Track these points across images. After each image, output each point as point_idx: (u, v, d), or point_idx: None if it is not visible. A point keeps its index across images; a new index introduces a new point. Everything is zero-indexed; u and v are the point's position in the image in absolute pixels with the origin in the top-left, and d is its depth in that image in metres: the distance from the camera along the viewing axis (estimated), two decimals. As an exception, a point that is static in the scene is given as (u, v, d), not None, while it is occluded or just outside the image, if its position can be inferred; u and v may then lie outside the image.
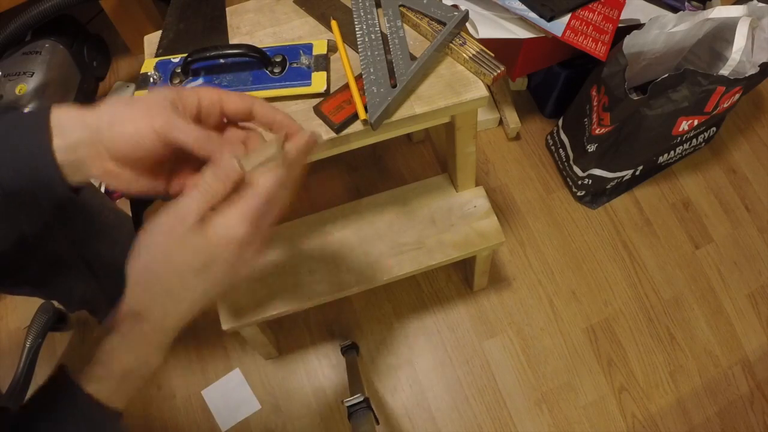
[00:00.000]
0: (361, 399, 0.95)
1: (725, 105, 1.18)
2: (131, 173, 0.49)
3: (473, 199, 1.05)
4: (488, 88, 0.90)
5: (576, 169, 1.34)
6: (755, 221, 1.42)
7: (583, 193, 1.38)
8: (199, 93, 0.50)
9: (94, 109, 0.48)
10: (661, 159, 1.37)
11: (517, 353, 1.27)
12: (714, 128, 1.40)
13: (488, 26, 1.16)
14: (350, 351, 1.22)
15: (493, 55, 0.78)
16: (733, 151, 1.50)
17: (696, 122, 1.19)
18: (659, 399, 1.25)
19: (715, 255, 1.38)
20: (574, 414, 1.23)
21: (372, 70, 0.77)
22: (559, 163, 1.41)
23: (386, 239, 1.03)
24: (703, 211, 1.43)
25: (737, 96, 1.18)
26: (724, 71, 1.11)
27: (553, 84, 1.39)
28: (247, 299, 0.99)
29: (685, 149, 1.39)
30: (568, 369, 1.26)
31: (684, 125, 1.18)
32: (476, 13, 1.18)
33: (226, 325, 0.97)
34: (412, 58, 0.78)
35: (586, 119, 1.25)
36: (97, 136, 0.46)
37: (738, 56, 1.10)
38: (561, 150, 1.39)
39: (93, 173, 0.48)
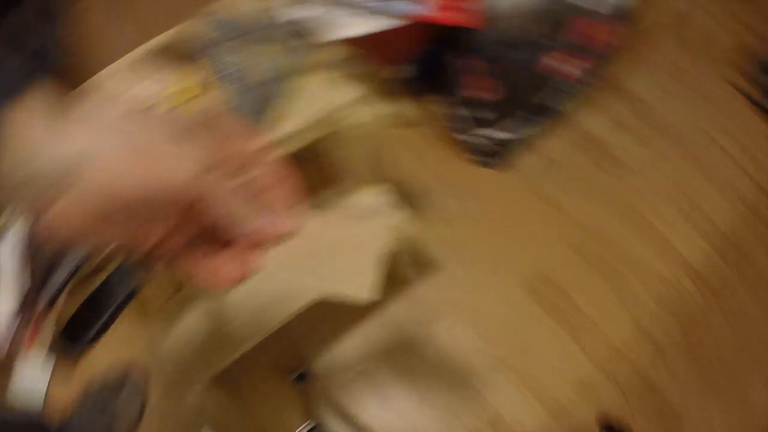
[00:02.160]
0: (312, 426, 0.93)
1: (600, 38, 1.20)
2: (103, 229, 0.33)
3: (380, 196, 1.04)
4: (373, 84, 0.90)
5: (479, 136, 1.35)
6: (667, 141, 1.45)
7: (492, 157, 1.39)
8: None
9: (73, 130, 0.32)
10: (552, 103, 1.39)
11: (465, 329, 1.26)
12: (597, 62, 1.42)
13: (356, 24, 1.15)
14: (301, 380, 1.19)
15: (362, 52, 0.78)
16: (632, 83, 1.53)
17: (568, 58, 1.21)
18: (617, 329, 1.25)
19: (635, 181, 1.40)
20: (538, 369, 1.22)
21: (235, 102, 0.78)
22: (463, 135, 1.42)
23: (303, 260, 1.01)
24: (615, 144, 1.45)
25: (611, 30, 1.20)
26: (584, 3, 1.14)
27: (436, 62, 1.41)
28: (185, 367, 0.96)
29: (572, 87, 1.41)
30: (519, 329, 1.26)
31: (553, 62, 1.20)
32: (342, 12, 1.18)
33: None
34: (271, 83, 0.79)
35: (472, 88, 1.27)
36: (69, 176, 0.30)
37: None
38: (461, 122, 1.40)
39: (43, 215, 0.31)
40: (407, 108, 1.45)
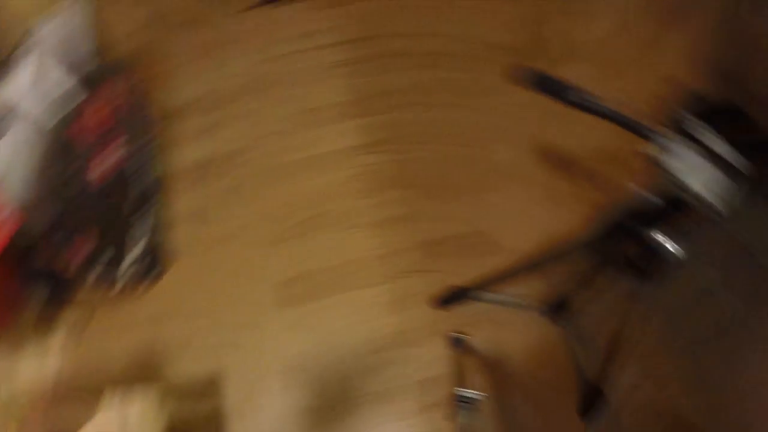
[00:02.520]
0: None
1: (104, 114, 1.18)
2: None
3: (107, 411, 0.97)
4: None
5: (129, 267, 1.29)
6: (240, 92, 1.48)
7: (157, 265, 1.33)
8: None
9: None
10: (143, 183, 1.33)
11: (287, 383, 1.22)
12: (130, 124, 1.38)
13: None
14: None
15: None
16: (173, 96, 1.53)
17: (104, 153, 1.19)
18: (365, 244, 1.31)
19: (257, 154, 1.43)
20: (363, 335, 1.24)
21: None
22: (117, 283, 1.31)
23: None
24: (222, 148, 1.44)
25: (106, 101, 1.20)
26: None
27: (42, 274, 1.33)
28: None
29: (140, 160, 1.37)
30: (316, 337, 1.26)
31: (99, 170, 1.17)
32: None
33: None
34: None
35: (78, 256, 1.21)
36: None
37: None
38: (107, 279, 1.29)
39: None
40: (66, 318, 1.35)
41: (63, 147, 1.22)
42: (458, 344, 1.24)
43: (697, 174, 0.69)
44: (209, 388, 1.23)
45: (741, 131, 1.40)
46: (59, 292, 1.36)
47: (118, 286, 1.33)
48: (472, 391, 0.94)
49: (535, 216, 1.37)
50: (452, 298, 1.25)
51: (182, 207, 1.38)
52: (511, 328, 1.27)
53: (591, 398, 1.21)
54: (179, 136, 1.45)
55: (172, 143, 1.44)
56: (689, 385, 1.25)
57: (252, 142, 1.42)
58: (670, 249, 0.75)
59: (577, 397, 1.20)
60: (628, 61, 1.61)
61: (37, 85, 1.18)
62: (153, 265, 1.33)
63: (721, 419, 1.23)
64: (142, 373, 1.25)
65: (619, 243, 0.82)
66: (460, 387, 0.93)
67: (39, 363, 1.20)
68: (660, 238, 0.75)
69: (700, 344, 1.28)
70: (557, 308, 1.24)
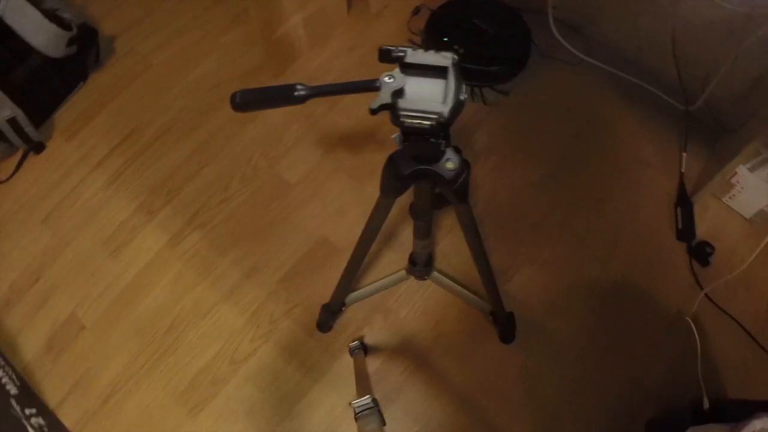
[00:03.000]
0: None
1: None
2: None
3: None
4: None
5: None
6: None
7: None
8: None
9: None
10: None
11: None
12: None
13: None
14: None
15: None
16: None
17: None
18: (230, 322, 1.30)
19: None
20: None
21: None
22: None
23: None
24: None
25: None
26: None
27: None
28: None
29: None
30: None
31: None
32: None
33: None
34: None
35: None
36: None
37: None
38: None
39: None
40: None
41: None
42: (360, 350, 1.26)
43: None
44: None
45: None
46: None
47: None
48: (365, 398, 0.96)
49: (352, 200, 1.44)
50: (329, 315, 1.27)
51: (57, 387, 1.31)
52: (400, 307, 1.32)
53: (503, 323, 1.25)
54: (13, 329, 1.38)
55: (15, 337, 1.37)
56: (563, 245, 1.37)
57: (80, 296, 1.38)
58: (452, 168, 0.74)
59: (494, 329, 1.26)
60: (357, 21, 1.69)
61: None
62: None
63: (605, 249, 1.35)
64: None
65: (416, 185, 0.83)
66: (354, 400, 0.95)
67: None
68: (439, 168, 0.73)
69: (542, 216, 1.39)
70: (421, 265, 1.24)
